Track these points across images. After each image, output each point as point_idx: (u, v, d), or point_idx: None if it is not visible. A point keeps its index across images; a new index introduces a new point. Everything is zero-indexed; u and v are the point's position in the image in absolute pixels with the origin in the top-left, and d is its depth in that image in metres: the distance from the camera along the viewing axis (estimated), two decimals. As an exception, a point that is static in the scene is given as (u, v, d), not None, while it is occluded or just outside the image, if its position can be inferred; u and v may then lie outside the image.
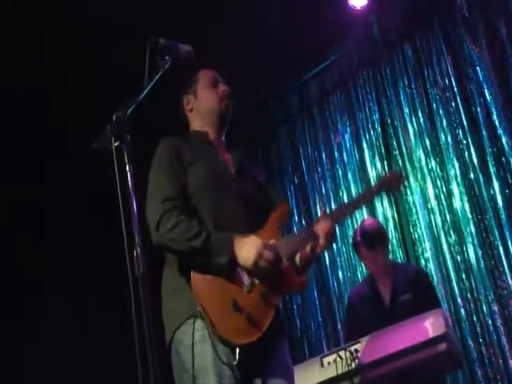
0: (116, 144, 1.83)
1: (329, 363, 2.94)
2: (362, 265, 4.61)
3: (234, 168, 2.31)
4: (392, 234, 4.52)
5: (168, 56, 2.08)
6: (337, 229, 4.90)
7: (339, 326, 4.69)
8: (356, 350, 2.89)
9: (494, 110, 4.11)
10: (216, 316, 2.00)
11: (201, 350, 1.99)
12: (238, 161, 2.34)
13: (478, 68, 4.25)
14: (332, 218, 2.26)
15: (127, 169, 1.82)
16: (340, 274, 4.83)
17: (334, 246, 4.90)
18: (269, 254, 2.06)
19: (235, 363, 1.97)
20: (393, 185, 2.46)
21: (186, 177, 2.19)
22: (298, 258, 2.27)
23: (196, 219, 2.11)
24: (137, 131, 1.91)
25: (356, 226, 4.69)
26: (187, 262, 2.09)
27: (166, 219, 2.07)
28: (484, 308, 3.94)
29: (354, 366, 2.86)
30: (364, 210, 4.73)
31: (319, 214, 2.29)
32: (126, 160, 1.83)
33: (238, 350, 1.97)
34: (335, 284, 4.86)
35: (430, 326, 2.78)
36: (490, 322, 3.88)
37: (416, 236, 4.45)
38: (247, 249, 2.05)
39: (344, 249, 4.84)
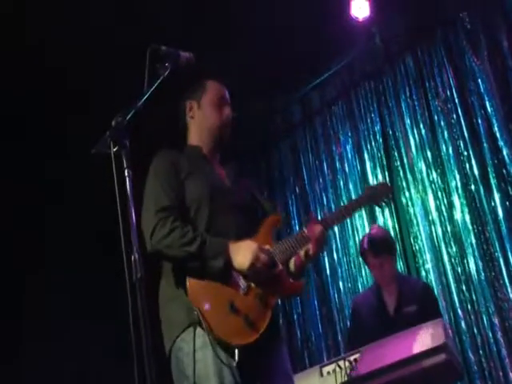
0: (115, 149, 1.83)
1: (328, 373, 2.93)
2: (363, 275, 4.61)
3: (229, 181, 2.35)
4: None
5: (168, 63, 2.10)
6: (337, 240, 4.97)
7: (340, 337, 4.67)
8: (355, 360, 2.89)
9: (495, 122, 4.11)
10: (213, 319, 2.01)
11: (202, 357, 2.01)
12: (232, 174, 2.39)
13: (479, 80, 4.26)
14: (325, 222, 2.30)
15: (126, 174, 1.83)
16: (341, 284, 4.82)
17: (335, 256, 4.90)
18: (264, 257, 2.10)
19: (235, 364, 1.98)
20: (380, 198, 2.49)
21: (182, 189, 2.21)
22: (292, 264, 2.30)
23: (190, 225, 2.13)
24: (136, 137, 1.92)
25: (357, 237, 4.72)
26: (182, 269, 2.11)
27: (160, 227, 2.09)
28: (484, 320, 3.92)
29: (353, 375, 2.85)
30: (365, 221, 4.74)
31: (310, 219, 2.32)
32: (125, 165, 1.84)
33: (236, 351, 1.99)
34: (336, 294, 4.85)
35: (430, 336, 2.77)
36: (490, 334, 3.86)
37: (417, 247, 4.44)
38: (243, 252, 2.08)
39: (345, 259, 4.84)
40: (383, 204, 2.51)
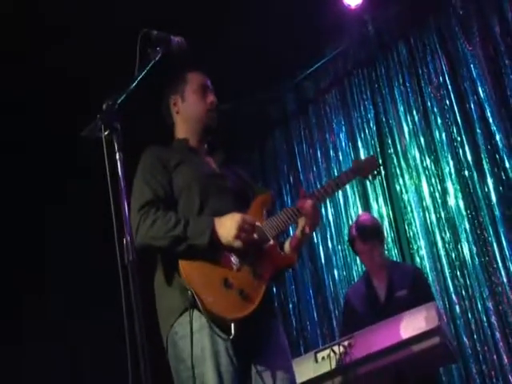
0: (106, 133, 1.83)
1: (323, 358, 2.93)
2: (358, 264, 4.61)
3: (218, 167, 2.37)
4: (387, 232, 4.52)
5: (159, 47, 2.09)
6: (332, 228, 4.96)
7: (335, 325, 4.68)
8: (350, 345, 2.89)
9: (487, 107, 4.11)
10: (208, 296, 2.01)
11: (199, 339, 2.01)
12: (220, 161, 2.40)
13: (471, 66, 4.25)
14: (315, 196, 2.31)
15: (117, 157, 1.83)
16: (335, 273, 4.83)
17: (330, 245, 4.91)
18: (249, 226, 2.10)
19: (231, 337, 1.97)
20: (367, 170, 2.51)
21: (169, 180, 2.22)
22: (287, 245, 2.30)
23: (172, 212, 2.15)
24: (127, 120, 1.92)
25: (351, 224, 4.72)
26: (172, 256, 2.10)
27: (142, 222, 2.11)
28: (478, 304, 3.94)
29: (347, 360, 2.85)
30: (359, 208, 4.75)
31: (300, 194, 2.32)
32: (116, 148, 1.84)
33: (232, 325, 1.98)
34: (331, 283, 4.86)
35: (423, 319, 2.78)
36: (484, 318, 3.88)
37: (411, 234, 4.45)
38: (227, 223, 2.09)
39: (339, 247, 4.85)
40: (371, 177, 2.53)
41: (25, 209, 4.66)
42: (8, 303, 4.42)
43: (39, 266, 4.71)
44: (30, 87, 4.24)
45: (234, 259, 2.10)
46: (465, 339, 3.93)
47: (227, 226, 2.07)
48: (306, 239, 2.30)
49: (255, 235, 2.12)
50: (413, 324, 2.79)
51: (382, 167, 2.59)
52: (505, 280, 3.83)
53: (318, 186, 5.07)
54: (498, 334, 3.78)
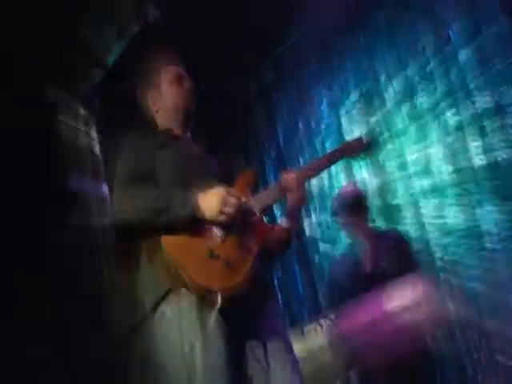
0: (85, 111, 1.82)
1: (309, 332, 2.96)
2: (343, 236, 4.60)
3: (202, 152, 2.37)
4: (372, 202, 4.49)
5: (137, 21, 2.09)
6: (316, 201, 4.94)
7: (320, 298, 4.69)
8: (336, 318, 2.91)
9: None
10: (193, 269, 1.98)
11: (188, 318, 1.98)
12: (204, 146, 2.41)
13: None
14: (299, 172, 2.31)
15: (95, 137, 1.82)
16: (320, 245, 4.82)
17: (314, 218, 4.90)
18: (233, 200, 2.07)
19: (218, 306, 1.95)
20: (355, 152, 2.53)
21: (153, 162, 2.20)
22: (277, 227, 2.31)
23: (154, 187, 2.12)
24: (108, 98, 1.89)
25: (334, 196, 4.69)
26: (155, 232, 2.05)
27: (124, 197, 2.09)
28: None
29: (334, 333, 2.88)
30: (343, 179, 4.73)
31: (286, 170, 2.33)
32: (95, 129, 1.83)
33: (219, 295, 1.95)
34: (316, 256, 4.85)
35: (410, 289, 2.79)
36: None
37: (396, 202, 4.42)
38: (210, 198, 2.06)
39: (323, 219, 4.83)
40: (357, 158, 2.54)
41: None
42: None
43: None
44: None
45: (218, 231, 2.08)
46: (450, 305, 3.94)
47: (211, 200, 2.05)
48: (294, 215, 2.31)
49: (240, 208, 2.09)
50: (399, 294, 2.81)
51: (368, 151, 2.59)
52: (489, 245, 3.83)
53: (301, 160, 5.08)
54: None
